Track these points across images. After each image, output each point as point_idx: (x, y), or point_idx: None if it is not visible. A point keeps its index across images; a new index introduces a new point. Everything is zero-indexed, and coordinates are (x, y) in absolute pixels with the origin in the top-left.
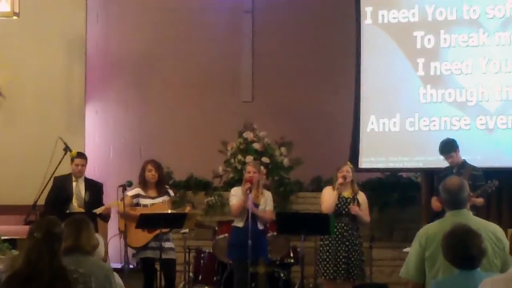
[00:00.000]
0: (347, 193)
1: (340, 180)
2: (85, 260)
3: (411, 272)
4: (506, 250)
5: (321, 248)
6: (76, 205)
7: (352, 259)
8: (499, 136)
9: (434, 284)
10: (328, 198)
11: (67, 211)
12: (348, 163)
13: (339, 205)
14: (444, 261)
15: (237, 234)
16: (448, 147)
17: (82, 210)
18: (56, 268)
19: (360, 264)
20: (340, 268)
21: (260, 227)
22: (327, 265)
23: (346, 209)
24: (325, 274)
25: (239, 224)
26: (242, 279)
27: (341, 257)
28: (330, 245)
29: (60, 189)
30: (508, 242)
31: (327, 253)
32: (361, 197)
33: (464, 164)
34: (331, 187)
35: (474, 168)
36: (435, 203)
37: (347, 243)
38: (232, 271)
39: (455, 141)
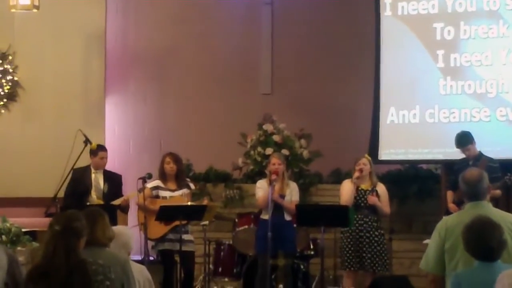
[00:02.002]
0: (365, 185)
1: (356, 174)
2: (102, 252)
3: (430, 264)
4: None
5: (344, 240)
6: (95, 197)
7: (375, 250)
8: None
9: (454, 276)
10: (346, 191)
11: (87, 203)
12: (366, 155)
13: (357, 198)
14: (464, 253)
15: (263, 227)
16: (465, 139)
17: (101, 201)
18: (74, 262)
19: (384, 256)
20: (364, 260)
21: (287, 218)
22: (351, 257)
23: (365, 201)
24: (349, 266)
25: (265, 216)
26: (265, 271)
27: (364, 249)
28: (351, 237)
29: (79, 181)
30: None
31: (350, 245)
32: (381, 188)
33: (480, 156)
34: (350, 180)
35: (490, 159)
36: (450, 201)
37: (367, 234)
38: (252, 263)
39: (471, 134)
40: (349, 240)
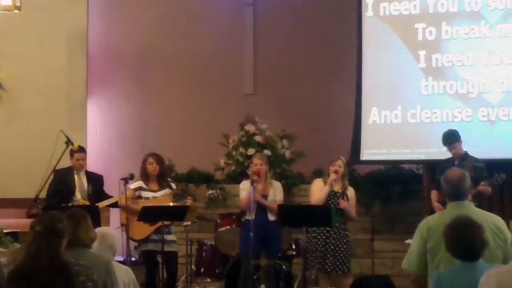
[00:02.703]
0: (337, 187)
1: (332, 176)
2: (84, 253)
3: (413, 264)
4: (508, 241)
5: (310, 241)
6: (80, 198)
7: (339, 252)
8: (501, 128)
9: (436, 275)
10: (318, 191)
11: (72, 204)
12: (341, 157)
13: (328, 199)
14: (446, 253)
15: (247, 227)
16: (452, 137)
17: (87, 202)
18: (56, 263)
19: (347, 257)
20: (325, 261)
21: (271, 218)
22: (314, 257)
23: (336, 203)
24: (312, 266)
25: (249, 217)
26: (249, 272)
27: (329, 249)
28: (318, 237)
29: (62, 182)
30: (511, 233)
31: (316, 246)
32: (350, 192)
33: (466, 156)
34: (321, 179)
35: (476, 159)
36: (434, 201)
37: (334, 236)
38: (234, 263)
39: (458, 132)
40: (315, 240)
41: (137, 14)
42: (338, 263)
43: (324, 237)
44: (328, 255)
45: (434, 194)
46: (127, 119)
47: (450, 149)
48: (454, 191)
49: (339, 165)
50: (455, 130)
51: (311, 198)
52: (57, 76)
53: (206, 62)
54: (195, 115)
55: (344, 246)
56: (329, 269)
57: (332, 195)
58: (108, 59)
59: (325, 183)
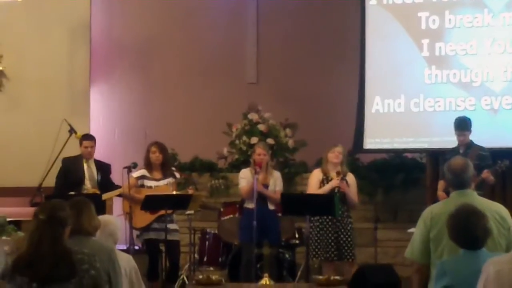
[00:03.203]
0: (334, 174)
1: (335, 182)
2: (88, 241)
3: (416, 252)
4: (511, 230)
5: (311, 230)
6: (90, 186)
7: (342, 240)
8: (504, 117)
9: (439, 264)
10: (315, 184)
11: (82, 192)
12: (340, 144)
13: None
14: (449, 242)
15: (248, 216)
16: (465, 124)
17: (97, 191)
18: (60, 251)
19: (350, 245)
20: (331, 250)
21: (271, 207)
22: (319, 247)
23: (336, 191)
24: (316, 255)
25: (249, 205)
26: (250, 260)
27: (332, 238)
28: (321, 226)
29: (71, 170)
30: None
31: (318, 235)
32: (350, 178)
33: (471, 144)
34: (319, 170)
35: (481, 148)
36: (440, 190)
37: (337, 223)
38: (237, 252)
39: (471, 122)
40: (317, 230)
41: (139, 4)
42: (343, 251)
43: (328, 225)
44: (333, 243)
45: (441, 184)
46: (130, 108)
47: (459, 135)
48: (457, 180)
49: (339, 151)
50: (469, 119)
51: (308, 189)
52: (59, 65)
53: (209, 51)
54: (198, 104)
55: (348, 233)
56: (334, 258)
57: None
58: (110, 49)
59: (323, 173)
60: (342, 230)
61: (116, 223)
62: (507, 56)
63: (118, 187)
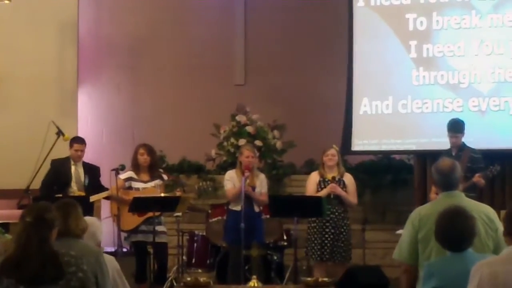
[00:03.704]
0: (329, 176)
1: (328, 188)
2: (75, 243)
3: (404, 254)
4: (499, 231)
5: (308, 230)
6: (76, 189)
7: (339, 241)
8: (492, 118)
9: (427, 265)
10: (312, 187)
11: (67, 195)
12: (334, 146)
13: (323, 187)
14: (437, 243)
15: (234, 218)
16: (458, 126)
17: (83, 193)
18: (47, 253)
19: (347, 247)
20: (326, 251)
21: (256, 209)
22: (315, 247)
23: (331, 196)
24: (312, 256)
25: (236, 207)
26: (238, 262)
27: (329, 239)
28: (317, 227)
29: (59, 172)
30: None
31: (315, 235)
32: (348, 178)
33: (463, 146)
34: (317, 173)
35: (473, 150)
36: (433, 192)
37: (334, 225)
38: (225, 254)
39: (464, 124)
40: (314, 230)
41: (127, 3)
42: (338, 251)
43: (323, 226)
44: (328, 244)
45: (434, 188)
46: (118, 109)
47: (451, 137)
48: (445, 181)
49: (332, 154)
50: (463, 121)
51: (306, 192)
52: (47, 65)
53: (197, 53)
54: (186, 106)
55: (344, 234)
56: (327, 258)
57: (328, 185)
58: (98, 48)
59: (320, 175)
60: (338, 231)
61: (97, 224)
62: (495, 58)
63: (106, 189)
